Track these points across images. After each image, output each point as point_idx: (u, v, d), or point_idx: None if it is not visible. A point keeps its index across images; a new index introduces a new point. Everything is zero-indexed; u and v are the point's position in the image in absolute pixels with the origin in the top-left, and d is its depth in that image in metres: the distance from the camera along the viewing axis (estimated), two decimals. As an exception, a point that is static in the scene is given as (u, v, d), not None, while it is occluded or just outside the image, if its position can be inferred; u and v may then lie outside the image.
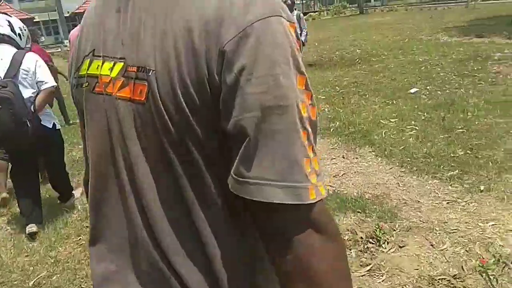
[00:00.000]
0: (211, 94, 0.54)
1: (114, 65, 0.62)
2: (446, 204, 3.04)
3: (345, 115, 5.58)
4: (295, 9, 7.89)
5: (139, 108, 0.59)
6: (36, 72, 3.08)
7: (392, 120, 5.12)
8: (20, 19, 3.43)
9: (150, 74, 0.56)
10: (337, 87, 7.43)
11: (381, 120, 5.14)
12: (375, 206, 3.13)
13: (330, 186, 3.62)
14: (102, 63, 0.65)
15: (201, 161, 0.58)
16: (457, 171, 3.50)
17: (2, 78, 2.92)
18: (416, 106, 5.53)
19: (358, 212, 3.08)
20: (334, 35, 16.93)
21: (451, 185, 3.30)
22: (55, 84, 3.28)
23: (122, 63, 0.61)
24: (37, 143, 3.12)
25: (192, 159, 0.58)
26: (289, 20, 0.56)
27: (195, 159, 0.58)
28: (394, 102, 5.92)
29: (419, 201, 3.14)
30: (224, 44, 0.51)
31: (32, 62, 3.08)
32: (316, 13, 36.70)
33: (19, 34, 3.24)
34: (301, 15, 7.68)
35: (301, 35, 7.62)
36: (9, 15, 3.32)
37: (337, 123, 5.30)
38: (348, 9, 36.75)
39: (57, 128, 3.46)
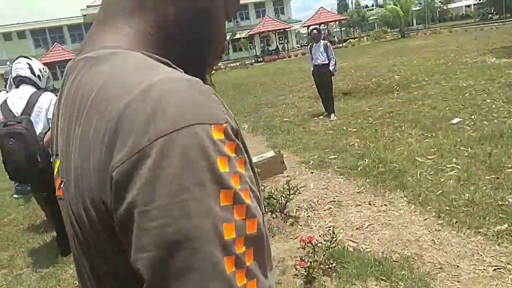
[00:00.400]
0: (111, 223, 0.45)
1: (54, 161, 0.60)
2: (493, 271, 2.43)
3: (376, 151, 5.03)
4: (323, 39, 7.56)
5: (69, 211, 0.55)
6: (49, 110, 3.27)
7: (429, 157, 4.52)
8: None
9: (62, 185, 0.53)
10: (370, 118, 6.89)
11: (417, 157, 4.55)
12: (403, 272, 2.57)
13: (352, 241, 3.09)
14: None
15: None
16: (506, 225, 2.87)
17: (20, 115, 3.20)
18: (458, 140, 4.89)
19: (382, 279, 2.54)
20: (373, 61, 16.40)
21: (499, 245, 2.68)
22: None
23: (58, 161, 0.57)
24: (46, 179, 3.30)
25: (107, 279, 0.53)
26: (215, 122, 0.44)
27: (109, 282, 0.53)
28: (434, 135, 5.31)
29: (458, 266, 2.55)
30: (113, 168, 0.42)
31: (46, 100, 3.30)
32: (356, 39, 36.21)
33: (38, 75, 3.47)
34: (328, 44, 7.30)
35: (329, 64, 7.24)
36: (30, 58, 3.56)
37: (366, 160, 4.76)
38: (389, 33, 35.96)
39: None
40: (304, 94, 10.72)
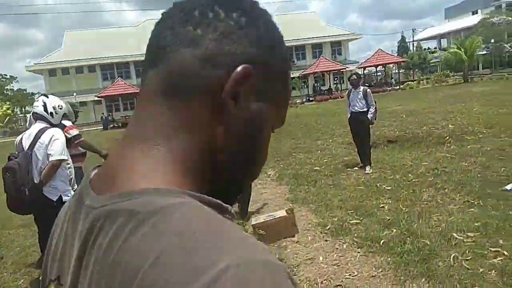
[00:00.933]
0: None
1: None
2: None
3: (407, 219, 4.26)
4: (364, 84, 6.99)
5: None
6: (48, 145, 3.33)
7: (470, 234, 3.69)
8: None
9: None
10: (410, 175, 6.07)
11: (454, 233, 3.73)
12: None
13: None
14: None
15: None
16: None
17: (26, 149, 3.32)
18: (510, 212, 4.01)
19: None
20: (429, 106, 15.41)
21: None
22: (60, 157, 3.36)
23: None
24: (40, 213, 3.38)
25: None
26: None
27: None
28: (481, 203, 4.45)
29: None
30: None
31: (47, 136, 3.36)
32: (415, 82, 34.81)
33: (51, 112, 3.57)
34: (368, 90, 6.71)
35: (367, 112, 6.63)
36: (47, 97, 3.69)
37: (393, 231, 4.01)
38: (451, 77, 34.17)
39: (63, 201, 3.34)
40: (344, 139, 10.01)
